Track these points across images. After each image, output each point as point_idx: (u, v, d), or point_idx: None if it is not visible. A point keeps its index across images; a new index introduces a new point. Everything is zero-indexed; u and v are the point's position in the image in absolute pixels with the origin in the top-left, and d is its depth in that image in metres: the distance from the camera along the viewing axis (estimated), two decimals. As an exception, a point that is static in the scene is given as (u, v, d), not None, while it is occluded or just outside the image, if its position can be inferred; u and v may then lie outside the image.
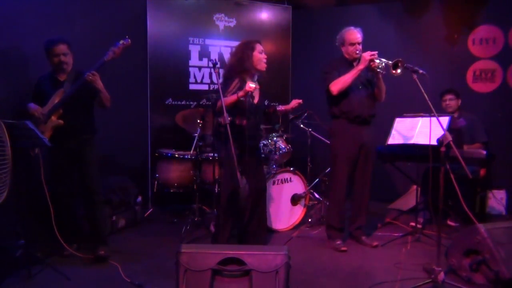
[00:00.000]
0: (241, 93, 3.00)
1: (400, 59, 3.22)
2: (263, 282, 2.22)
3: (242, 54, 3.15)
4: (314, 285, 2.93)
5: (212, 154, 4.13)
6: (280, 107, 3.38)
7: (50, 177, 3.24)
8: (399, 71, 3.23)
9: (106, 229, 3.62)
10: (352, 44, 3.48)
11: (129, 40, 3.24)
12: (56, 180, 3.32)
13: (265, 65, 3.26)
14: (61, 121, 3.23)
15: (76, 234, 3.49)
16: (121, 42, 3.22)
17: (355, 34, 3.49)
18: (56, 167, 3.34)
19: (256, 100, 3.24)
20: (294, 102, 3.40)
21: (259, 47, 3.22)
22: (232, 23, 5.11)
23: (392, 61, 3.24)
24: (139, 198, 4.38)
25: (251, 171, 3.10)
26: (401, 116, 3.91)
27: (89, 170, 3.38)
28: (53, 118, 3.23)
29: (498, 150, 4.30)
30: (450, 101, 4.28)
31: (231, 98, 3.02)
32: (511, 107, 4.72)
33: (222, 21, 5.06)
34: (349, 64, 3.52)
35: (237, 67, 3.16)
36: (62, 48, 3.26)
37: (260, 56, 3.21)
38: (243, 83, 3.09)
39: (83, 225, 3.62)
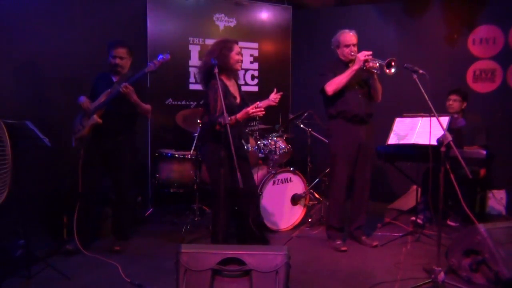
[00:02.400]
0: (240, 115, 3.00)
1: (393, 58, 3.24)
2: (263, 282, 2.22)
3: (220, 53, 3.12)
4: (314, 285, 2.94)
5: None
6: (259, 104, 3.30)
7: (78, 175, 3.36)
8: (393, 70, 3.24)
9: (129, 227, 3.76)
10: (347, 46, 3.49)
11: (170, 55, 3.32)
12: (84, 178, 3.40)
13: (240, 66, 3.26)
14: (99, 120, 3.32)
15: (79, 232, 3.49)
16: (163, 56, 3.29)
17: (349, 36, 3.51)
18: (87, 164, 3.41)
19: (238, 100, 3.23)
20: (273, 96, 3.31)
21: (236, 48, 3.19)
22: (232, 23, 5.11)
23: (385, 61, 3.24)
24: (139, 198, 4.38)
25: (240, 171, 3.07)
26: (401, 116, 3.91)
27: (123, 172, 3.49)
28: (96, 116, 3.32)
29: (498, 150, 4.30)
30: (454, 102, 4.25)
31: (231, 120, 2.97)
32: (511, 107, 4.72)
33: (222, 21, 5.06)
34: (345, 65, 3.53)
35: (209, 62, 3.09)
36: (120, 51, 3.39)
37: (237, 58, 3.18)
38: (223, 85, 3.06)
39: (84, 224, 3.63)
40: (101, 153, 3.44)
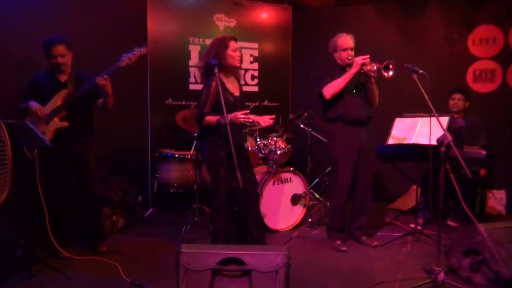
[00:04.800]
0: (230, 116, 2.94)
1: (391, 61, 3.24)
2: (263, 282, 2.22)
3: (216, 52, 3.11)
4: (314, 285, 2.94)
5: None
6: (252, 117, 3.24)
7: (47, 178, 3.22)
8: (390, 73, 3.25)
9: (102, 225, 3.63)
10: (345, 49, 3.50)
11: (146, 48, 3.21)
12: (53, 181, 3.30)
13: (239, 63, 3.23)
14: (66, 123, 3.20)
15: (72, 236, 3.47)
16: (137, 49, 3.18)
17: (347, 40, 3.51)
18: (54, 169, 3.31)
19: (236, 98, 3.22)
20: (266, 117, 3.23)
21: (233, 44, 3.16)
22: (232, 23, 5.11)
23: (383, 64, 3.24)
24: (139, 198, 4.38)
25: (241, 170, 3.05)
26: (401, 116, 3.91)
27: (90, 172, 3.39)
28: (56, 119, 3.20)
29: (498, 150, 4.31)
30: (459, 100, 4.25)
31: (216, 119, 2.97)
32: (511, 107, 4.72)
33: (222, 21, 5.06)
34: (342, 69, 3.54)
35: (209, 63, 3.07)
36: (59, 49, 3.20)
37: (233, 54, 3.15)
38: (221, 83, 3.04)
39: (80, 227, 3.61)
40: (65, 156, 3.30)
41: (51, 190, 3.23)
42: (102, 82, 3.12)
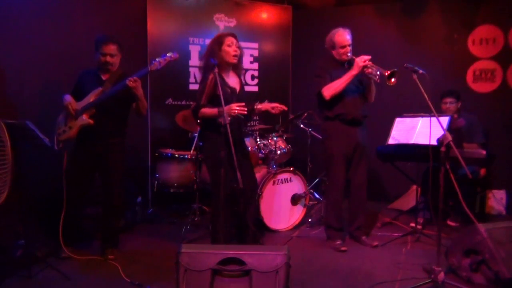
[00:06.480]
0: (225, 109, 2.88)
1: (396, 70, 3.21)
2: (263, 282, 2.22)
3: (212, 51, 3.12)
4: (314, 285, 2.94)
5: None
6: (258, 105, 3.26)
7: (66, 177, 3.21)
8: (393, 80, 3.23)
9: (119, 233, 3.53)
10: (343, 46, 3.48)
11: (177, 54, 3.17)
12: (73, 181, 3.26)
13: (234, 58, 3.16)
14: (91, 121, 3.17)
15: (75, 236, 3.45)
16: (169, 54, 3.14)
17: (344, 36, 3.49)
18: (77, 168, 3.27)
19: (236, 93, 3.21)
20: (276, 104, 3.24)
21: (228, 40, 3.14)
22: (232, 23, 5.11)
23: (388, 72, 3.20)
24: (139, 198, 4.38)
25: (240, 168, 3.03)
26: (401, 116, 3.90)
27: (113, 176, 3.30)
28: (85, 116, 3.17)
29: (498, 150, 4.30)
30: (450, 104, 4.23)
31: (212, 111, 2.99)
32: (511, 107, 4.72)
33: (222, 21, 5.06)
34: (340, 65, 3.53)
35: (208, 63, 3.08)
36: (111, 48, 3.23)
37: (228, 49, 3.13)
38: (219, 79, 3.00)
39: (83, 227, 3.62)
40: (90, 156, 3.26)
41: (68, 188, 3.20)
42: (131, 83, 3.08)
